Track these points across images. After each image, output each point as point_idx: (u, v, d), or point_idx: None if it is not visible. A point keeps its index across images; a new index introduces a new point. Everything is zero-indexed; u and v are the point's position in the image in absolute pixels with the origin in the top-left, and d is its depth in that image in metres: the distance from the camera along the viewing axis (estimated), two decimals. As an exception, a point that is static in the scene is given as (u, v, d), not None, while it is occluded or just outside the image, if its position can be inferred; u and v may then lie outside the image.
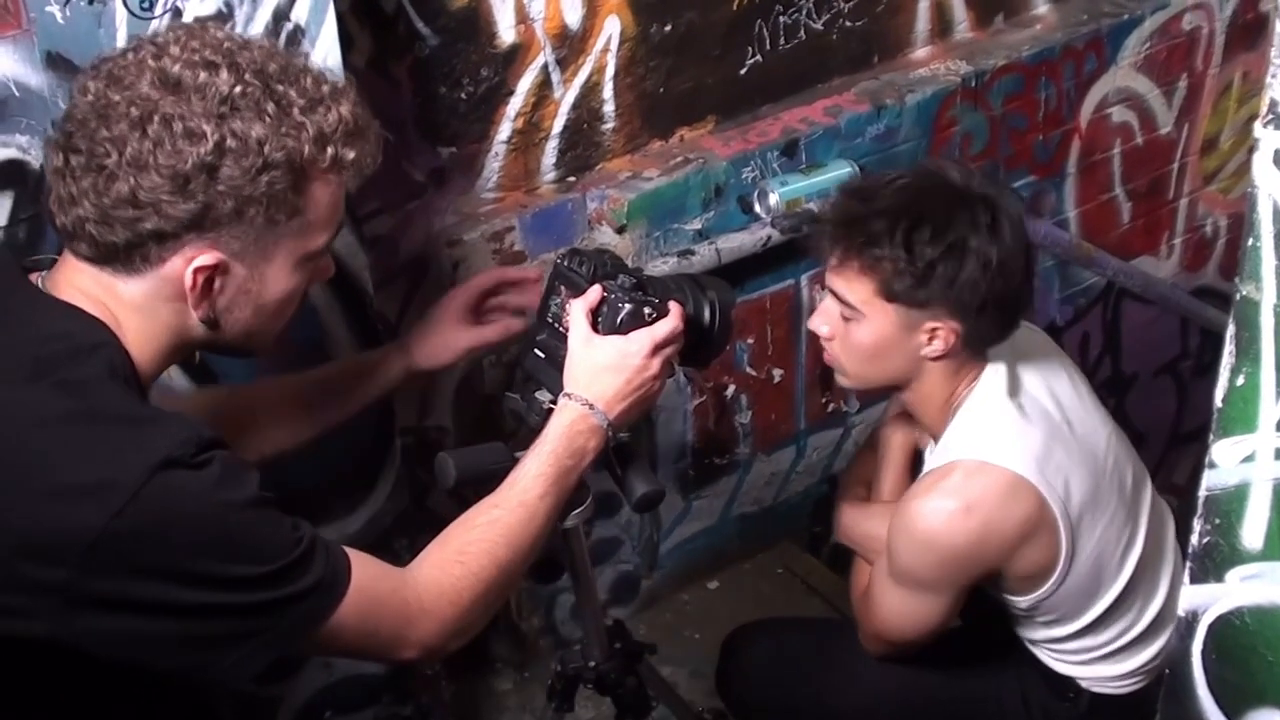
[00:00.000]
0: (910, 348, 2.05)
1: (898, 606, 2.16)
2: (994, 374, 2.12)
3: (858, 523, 2.35)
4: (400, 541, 2.61)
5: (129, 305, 1.51)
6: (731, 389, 3.23)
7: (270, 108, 1.47)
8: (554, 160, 2.81)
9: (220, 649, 1.46)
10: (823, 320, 2.10)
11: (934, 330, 2.02)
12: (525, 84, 2.69)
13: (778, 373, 3.28)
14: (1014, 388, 2.11)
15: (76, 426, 1.40)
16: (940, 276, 1.96)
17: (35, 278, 1.55)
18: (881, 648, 2.25)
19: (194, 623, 1.43)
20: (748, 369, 3.23)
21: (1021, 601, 2.16)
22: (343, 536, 2.44)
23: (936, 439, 2.16)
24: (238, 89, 1.46)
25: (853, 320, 2.05)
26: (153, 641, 1.43)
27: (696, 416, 3.20)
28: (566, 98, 2.77)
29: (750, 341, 3.18)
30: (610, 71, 2.80)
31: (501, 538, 1.69)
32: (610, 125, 2.86)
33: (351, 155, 1.53)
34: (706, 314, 1.94)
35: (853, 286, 2.02)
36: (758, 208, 2.97)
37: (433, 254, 2.64)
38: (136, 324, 1.52)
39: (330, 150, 1.51)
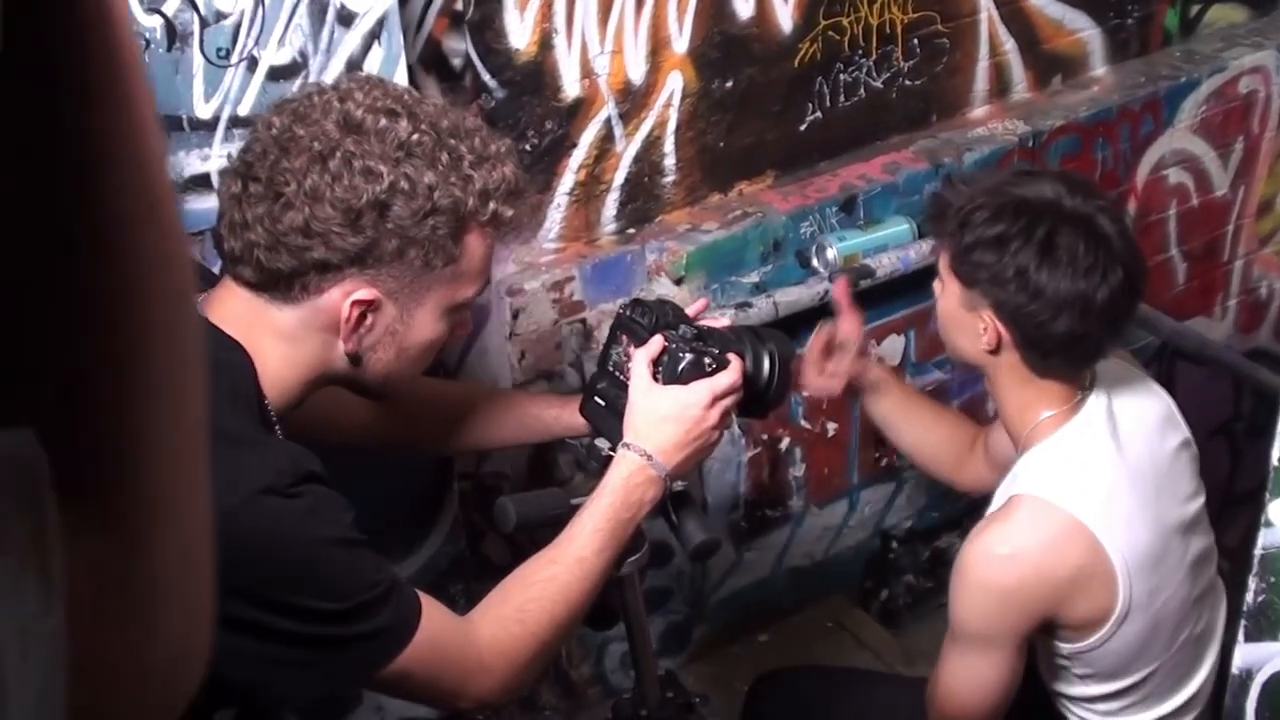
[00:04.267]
0: (972, 332, 2.07)
1: (960, 670, 2.10)
2: (1095, 408, 2.09)
3: None
4: (455, 586, 2.60)
5: (278, 332, 1.56)
6: (786, 441, 3.21)
7: (443, 157, 1.53)
8: (615, 212, 2.82)
9: (276, 672, 1.48)
10: (937, 290, 2.16)
11: (986, 321, 2.04)
12: (588, 137, 2.71)
13: (832, 426, 3.26)
14: (1113, 427, 2.09)
15: None
16: (976, 262, 2.00)
17: None
18: None
19: (254, 642, 1.45)
20: (802, 422, 3.21)
21: (1064, 648, 2.10)
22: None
23: (1017, 449, 2.14)
24: (415, 136, 1.52)
25: (941, 287, 2.11)
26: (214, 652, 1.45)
27: (750, 468, 3.19)
28: (628, 151, 2.78)
29: (805, 394, 3.16)
30: (672, 126, 2.81)
31: (560, 595, 1.70)
32: (670, 178, 2.87)
33: (510, 213, 1.60)
34: (766, 366, 1.93)
35: (941, 254, 2.10)
36: (815, 262, 2.97)
37: (494, 302, 2.64)
38: (281, 351, 1.57)
39: (491, 205, 1.57)
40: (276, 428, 1.57)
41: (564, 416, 2.10)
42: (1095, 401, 2.09)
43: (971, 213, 2.01)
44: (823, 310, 2.99)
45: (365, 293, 1.54)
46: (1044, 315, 1.97)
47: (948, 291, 2.09)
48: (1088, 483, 2.03)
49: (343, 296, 1.54)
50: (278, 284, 1.54)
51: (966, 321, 2.07)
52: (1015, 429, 2.13)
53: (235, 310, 1.56)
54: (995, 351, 2.06)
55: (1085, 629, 2.05)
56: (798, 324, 2.97)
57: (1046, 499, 2.01)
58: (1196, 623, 2.18)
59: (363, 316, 1.56)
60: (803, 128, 3.02)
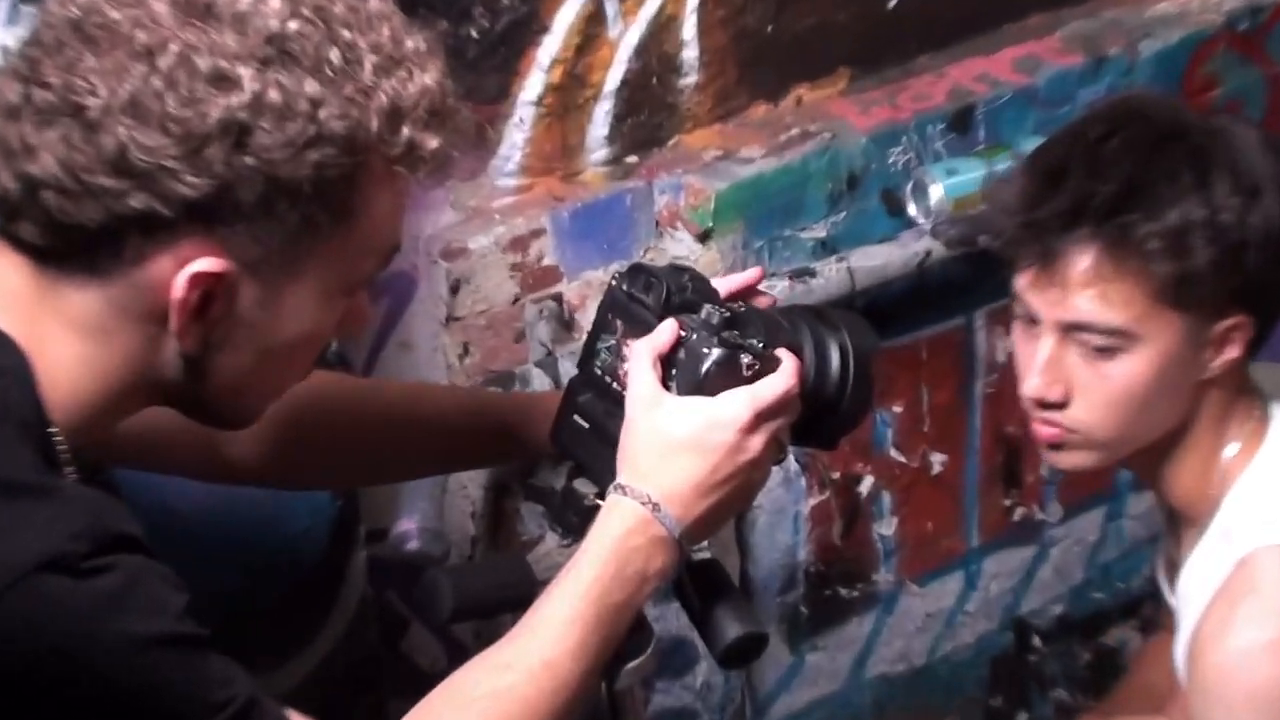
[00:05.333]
0: (1193, 372, 2.06)
1: None
2: None
3: None
4: (362, 701, 2.61)
5: (73, 323, 1.53)
6: (868, 482, 3.21)
7: (333, 57, 1.50)
8: (606, 132, 2.80)
9: None
10: (1053, 378, 2.08)
11: (1229, 329, 2.03)
12: (566, 17, 2.68)
13: (938, 459, 3.26)
14: None
15: None
16: (1256, 234, 1.97)
17: None
18: None
19: None
20: (892, 452, 3.21)
21: None
22: (278, 694, 2.45)
23: (1199, 522, 2.15)
24: (292, 25, 1.48)
25: (1119, 354, 2.04)
26: None
27: (814, 524, 3.18)
28: (627, 38, 2.75)
29: (897, 410, 3.17)
30: (693, 1, 2.80)
31: (517, 718, 1.68)
32: (692, 80, 2.85)
33: (432, 144, 1.56)
34: (835, 367, 1.91)
35: (1119, 300, 2.01)
36: (912, 208, 2.96)
37: (422, 269, 2.63)
38: (76, 351, 1.54)
39: (405, 131, 1.54)
40: (69, 468, 1.54)
41: (528, 424, 2.10)
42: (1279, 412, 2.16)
43: (1204, 186, 1.97)
44: (921, 281, 2.98)
45: (210, 262, 1.50)
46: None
47: (1152, 344, 2.03)
48: None
49: (176, 268, 1.50)
50: (74, 247, 1.50)
51: (1188, 364, 2.05)
52: (1199, 487, 2.15)
53: (8, 287, 1.53)
54: (1227, 369, 2.07)
55: None
56: (885, 303, 2.96)
57: None
58: None
59: (206, 299, 1.52)
60: (891, 4, 3.02)
